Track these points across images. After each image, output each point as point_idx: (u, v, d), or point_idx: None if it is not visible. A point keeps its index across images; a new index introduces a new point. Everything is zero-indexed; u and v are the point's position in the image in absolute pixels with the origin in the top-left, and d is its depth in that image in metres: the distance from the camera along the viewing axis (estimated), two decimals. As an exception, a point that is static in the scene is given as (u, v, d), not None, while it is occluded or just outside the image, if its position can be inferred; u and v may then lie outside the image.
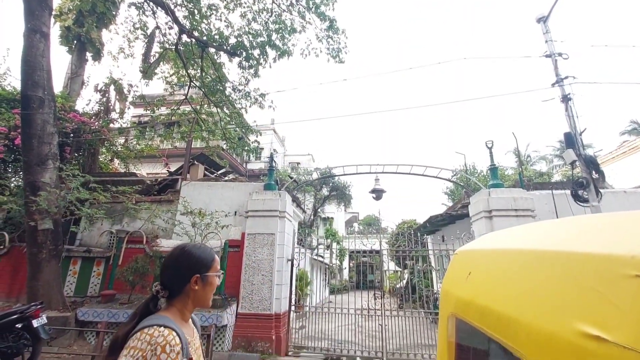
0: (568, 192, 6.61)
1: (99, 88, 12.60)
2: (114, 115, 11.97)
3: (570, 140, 6.45)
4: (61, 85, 11.76)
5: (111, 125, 11.78)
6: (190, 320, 1.22)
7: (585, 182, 6.12)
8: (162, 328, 0.98)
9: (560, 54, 7.02)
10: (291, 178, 13.58)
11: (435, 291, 10.10)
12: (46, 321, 5.76)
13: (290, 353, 7.05)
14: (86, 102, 12.48)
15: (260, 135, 12.45)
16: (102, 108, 12.00)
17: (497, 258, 1.27)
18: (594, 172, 6.38)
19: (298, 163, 29.23)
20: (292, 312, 7.72)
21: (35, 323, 5.51)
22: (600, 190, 6.39)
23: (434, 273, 10.79)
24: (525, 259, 1.07)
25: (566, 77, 6.82)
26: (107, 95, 12.35)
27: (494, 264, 1.27)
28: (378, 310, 7.29)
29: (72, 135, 9.94)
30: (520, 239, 1.21)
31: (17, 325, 5.38)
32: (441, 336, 1.60)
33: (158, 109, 11.39)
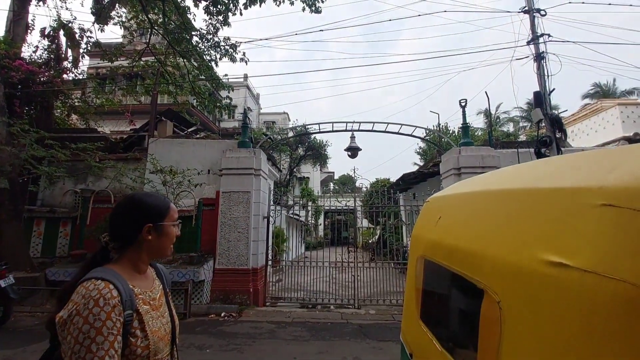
0: (532, 150, 6.93)
1: (46, 33, 11.16)
2: (66, 64, 10.78)
3: (539, 100, 6.62)
4: (2, 30, 10.32)
5: (65, 76, 10.65)
6: (150, 271, 1.17)
7: (548, 140, 6.41)
8: (98, 281, 0.93)
9: (538, 10, 6.95)
10: (266, 135, 13.27)
11: (405, 244, 10.71)
12: (14, 281, 5.61)
13: (267, 304, 7.39)
14: (33, 48, 11.10)
15: (232, 90, 11.84)
16: (52, 56, 10.72)
17: (466, 200, 1.30)
18: (557, 131, 6.68)
19: (273, 122, 28.45)
20: (269, 266, 7.96)
21: (2, 283, 5.36)
22: (562, 149, 6.75)
23: (404, 228, 11.36)
24: (493, 198, 1.10)
25: (541, 35, 6.83)
26: (56, 41, 10.97)
27: (463, 206, 1.31)
28: (351, 262, 7.67)
29: (20, 86, 8.93)
30: (489, 182, 1.23)
31: (-18, 287, 5.21)
32: (410, 277, 1.69)
33: (117, 59, 10.37)
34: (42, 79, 9.43)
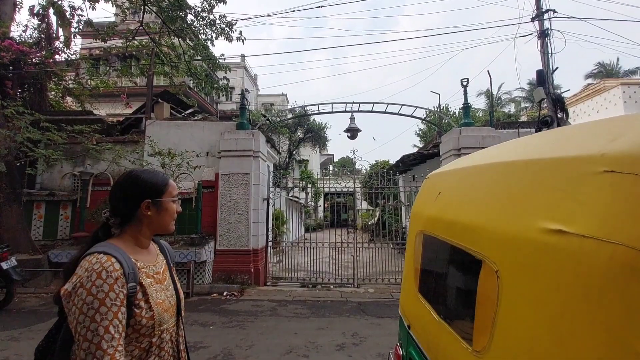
0: (533, 130, 6.89)
1: (35, 11, 10.81)
2: (58, 44, 10.49)
3: (542, 78, 6.53)
4: (-12, 7, 9.95)
5: (57, 57, 10.39)
6: (154, 246, 1.19)
7: (550, 119, 6.37)
8: (101, 255, 0.95)
9: (544, -15, 6.73)
10: (264, 117, 13.13)
11: (404, 226, 10.81)
12: (16, 263, 5.68)
13: (268, 283, 7.53)
14: (22, 28, 10.79)
15: (230, 71, 11.60)
16: (42, 36, 10.43)
17: (466, 175, 1.29)
18: (559, 111, 6.62)
19: (272, 104, 28.07)
20: (269, 247, 8.06)
21: (4, 265, 5.42)
22: (562, 128, 6.70)
23: (403, 209, 11.44)
24: (492, 171, 1.09)
25: (546, 11, 6.65)
26: (46, 20, 10.64)
27: (463, 181, 1.30)
28: (351, 243, 7.77)
29: (11, 67, 8.73)
30: (488, 156, 1.23)
31: (-14, 269, 5.28)
32: (409, 252, 1.71)
33: (110, 39, 10.09)
34: (33, 60, 9.21)
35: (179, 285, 1.20)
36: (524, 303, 0.78)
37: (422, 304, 1.42)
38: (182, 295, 1.18)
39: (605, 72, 23.75)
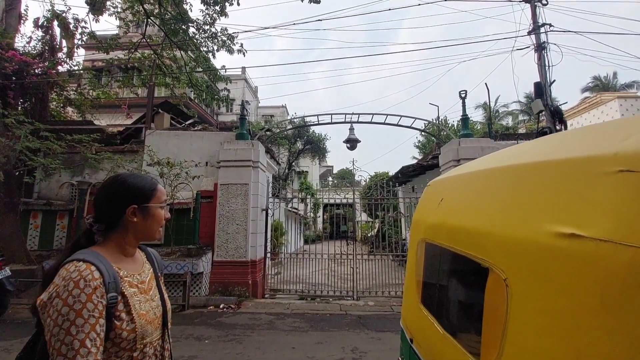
0: (532, 141, 6.90)
1: (40, 23, 10.98)
2: (61, 55, 10.61)
3: (540, 90, 6.58)
4: (-6, 20, 10.11)
5: (60, 68, 10.50)
6: (140, 254, 1.14)
7: (548, 131, 6.38)
8: (80, 263, 0.90)
9: (539, 0, 6.87)
10: (267, 130, 13.17)
11: (404, 237, 10.71)
12: (10, 273, 5.57)
13: (266, 295, 7.39)
14: (26, 39, 10.94)
15: (230, 82, 11.71)
16: (46, 47, 10.56)
17: (469, 181, 1.26)
18: (557, 123, 6.65)
19: (271, 115, 28.28)
20: (267, 259, 7.94)
21: (-3, 276, 5.31)
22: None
23: (403, 220, 11.36)
24: (497, 175, 1.06)
25: (542, 25, 6.76)
26: (50, 31, 10.80)
27: (466, 186, 1.27)
28: (350, 255, 7.67)
29: (14, 77, 8.80)
30: (493, 160, 1.19)
31: (-22, 279, 5.18)
32: (410, 262, 1.66)
33: (113, 50, 10.21)
34: (36, 70, 9.29)
35: (166, 296, 1.13)
36: (535, 313, 0.73)
37: (425, 316, 1.36)
38: (169, 307, 1.12)
39: (601, 86, 24.06)
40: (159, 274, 1.18)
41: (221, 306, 6.36)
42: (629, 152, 0.63)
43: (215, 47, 10.37)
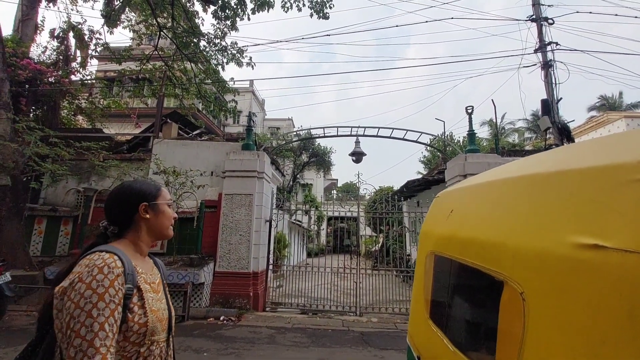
0: (539, 158, 6.84)
1: (55, 34, 11.33)
2: (74, 65, 10.89)
3: (547, 108, 6.57)
4: (11, 29, 10.47)
5: (73, 77, 10.76)
6: (150, 258, 1.18)
7: (556, 148, 6.33)
8: (103, 253, 0.93)
9: (546, 19, 6.94)
10: (270, 139, 13.27)
11: (408, 253, 10.55)
12: (10, 279, 5.54)
13: (267, 309, 7.25)
14: (42, 49, 11.24)
15: (238, 94, 11.90)
16: (60, 57, 10.86)
17: (481, 191, 1.23)
18: (565, 140, 6.60)
19: (278, 128, 28.55)
20: (270, 271, 7.84)
21: (-2, 281, 5.29)
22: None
23: (407, 235, 11.22)
24: (512, 186, 1.03)
25: (549, 43, 6.81)
26: (65, 42, 11.13)
27: (478, 197, 1.24)
28: (353, 269, 7.54)
29: (27, 85, 9.02)
30: (506, 171, 1.17)
31: (-22, 283, 5.15)
32: (418, 275, 1.61)
33: (125, 61, 10.47)
34: (49, 79, 9.52)
35: (170, 303, 1.15)
36: (556, 329, 0.69)
37: (433, 332, 1.31)
38: (173, 313, 1.13)
39: (607, 105, 24.03)
40: (165, 282, 1.21)
41: (221, 318, 6.24)
42: (655, 159, 0.61)
43: (225, 60, 10.60)
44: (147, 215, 1.08)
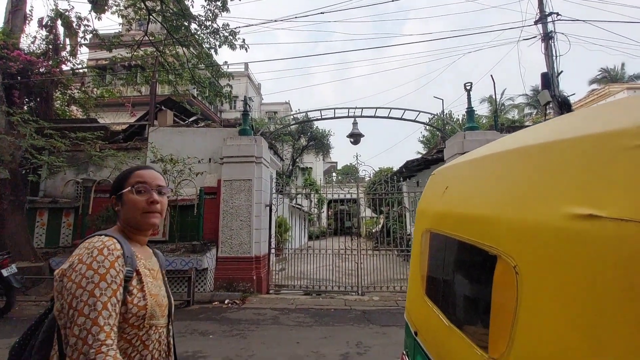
0: (540, 133, 6.77)
1: (44, 23, 11.02)
2: (64, 54, 10.65)
3: (547, 81, 6.44)
4: (1, 21, 10.18)
5: (63, 66, 10.54)
6: (149, 248, 1.19)
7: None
8: (102, 236, 0.95)
9: (547, -12, 6.70)
10: (267, 124, 13.13)
11: (408, 232, 10.64)
12: (16, 270, 5.62)
13: (271, 291, 7.39)
14: (31, 39, 10.97)
15: (233, 78, 11.67)
16: (50, 46, 10.60)
17: (475, 167, 1.20)
18: (565, 113, 6.50)
19: (275, 112, 28.23)
20: (272, 255, 7.93)
21: (4, 272, 5.37)
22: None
23: (407, 215, 11.28)
24: (506, 159, 1.00)
25: (550, 14, 6.60)
26: (54, 31, 10.83)
27: (472, 173, 1.21)
28: (354, 250, 7.62)
29: (19, 77, 8.85)
30: (501, 144, 1.13)
31: (-14, 276, 5.24)
32: (414, 253, 1.61)
33: (115, 48, 10.22)
34: (40, 70, 9.33)
35: (169, 292, 1.16)
36: (549, 301, 0.68)
37: (429, 308, 1.31)
38: (172, 301, 1.14)
39: (609, 78, 23.60)
40: (163, 271, 1.22)
41: (226, 302, 6.37)
42: (654, 123, 0.57)
43: (217, 43, 10.33)
44: (117, 208, 1.08)
